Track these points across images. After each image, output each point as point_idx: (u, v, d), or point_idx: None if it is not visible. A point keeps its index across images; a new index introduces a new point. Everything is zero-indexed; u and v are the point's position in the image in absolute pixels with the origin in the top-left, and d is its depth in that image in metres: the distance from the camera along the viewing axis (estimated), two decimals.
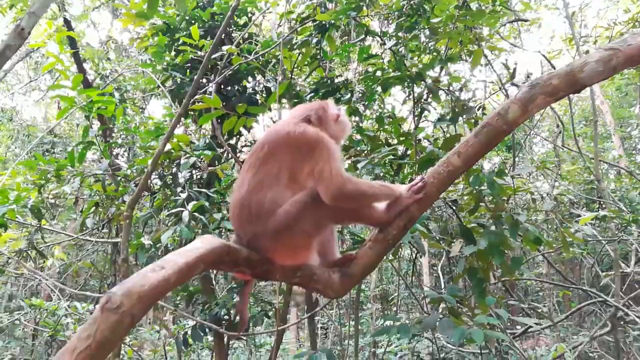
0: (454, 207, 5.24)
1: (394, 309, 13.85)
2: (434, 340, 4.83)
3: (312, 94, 4.61)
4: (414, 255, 5.30)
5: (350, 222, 2.28)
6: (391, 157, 4.68)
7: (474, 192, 4.65)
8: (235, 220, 1.99)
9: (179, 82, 5.79)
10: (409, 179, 5.16)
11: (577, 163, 11.10)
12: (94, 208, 5.17)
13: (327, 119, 2.22)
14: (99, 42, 12.28)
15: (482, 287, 4.56)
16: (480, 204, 4.68)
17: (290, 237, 1.90)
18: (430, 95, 5.09)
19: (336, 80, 4.69)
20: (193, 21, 5.94)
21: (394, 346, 10.24)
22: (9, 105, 15.95)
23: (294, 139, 2.01)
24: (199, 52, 5.51)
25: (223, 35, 6.16)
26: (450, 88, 5.65)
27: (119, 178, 4.96)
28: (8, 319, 8.61)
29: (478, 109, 6.77)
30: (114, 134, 8.26)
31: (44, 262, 8.78)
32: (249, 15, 6.15)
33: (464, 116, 4.79)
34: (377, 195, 1.99)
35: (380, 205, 2.02)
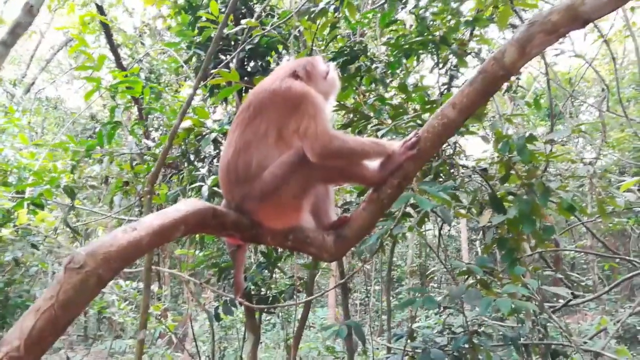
0: (484, 176, 5.05)
1: (432, 284, 13.73)
2: (463, 313, 4.72)
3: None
4: (439, 227, 5.15)
5: (340, 182, 2.22)
6: (415, 125, 4.52)
7: (504, 159, 4.47)
8: (223, 183, 1.96)
9: (202, 59, 5.79)
10: None
11: (626, 129, 10.46)
12: (126, 187, 5.31)
13: (315, 75, 2.14)
14: (133, 28, 12.47)
15: (513, 257, 4.41)
16: (511, 171, 4.50)
17: (277, 199, 1.85)
18: (457, 61, 4.88)
19: (355, 48, 4.53)
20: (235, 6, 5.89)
21: (431, 321, 10.17)
22: (54, 94, 16.55)
23: (280, 95, 1.95)
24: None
25: (244, 9, 6.12)
26: (481, 52, 5.40)
27: (146, 157, 5.05)
28: None
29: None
30: (149, 115, 8.43)
31: (87, 241, 9.16)
32: None
33: None
34: (367, 153, 1.91)
35: (373, 164, 1.94)
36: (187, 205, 1.68)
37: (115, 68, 8.75)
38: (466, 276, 4.59)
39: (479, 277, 4.29)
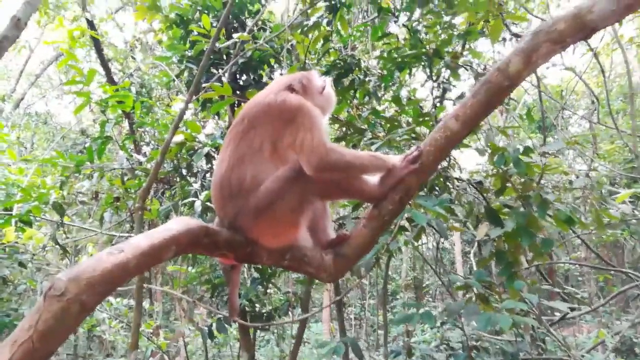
0: (479, 189, 5.02)
1: (427, 297, 13.63)
2: (462, 328, 4.64)
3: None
4: (436, 241, 5.09)
5: (339, 198, 2.15)
6: (409, 138, 4.49)
7: (500, 172, 4.45)
8: (216, 199, 1.88)
9: (194, 73, 5.74)
10: None
11: (616, 141, 10.52)
12: (117, 203, 5.20)
13: (311, 89, 2.09)
14: (124, 42, 12.43)
15: (511, 271, 4.37)
16: (507, 184, 4.47)
17: (273, 216, 1.78)
18: (450, 73, 4.87)
19: (349, 61, 4.51)
20: (206, 11, 5.87)
21: (427, 335, 10.06)
22: (44, 109, 16.42)
23: (275, 108, 1.89)
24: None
25: (236, 23, 6.10)
26: (472, 65, 5.40)
27: (137, 172, 4.96)
28: None
29: None
30: (139, 130, 8.35)
31: (78, 258, 9.00)
32: (262, 1, 6.04)
33: None
34: (366, 167, 1.84)
35: (373, 179, 1.87)
36: (178, 224, 1.60)
37: (106, 83, 8.68)
38: (464, 290, 4.54)
39: (477, 292, 4.23)
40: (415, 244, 5.87)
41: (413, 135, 4.60)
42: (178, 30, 5.94)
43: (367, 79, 4.66)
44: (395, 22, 4.51)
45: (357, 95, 4.59)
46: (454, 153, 6.16)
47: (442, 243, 14.86)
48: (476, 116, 1.72)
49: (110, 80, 9.31)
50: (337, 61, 4.53)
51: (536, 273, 7.49)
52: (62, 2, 9.71)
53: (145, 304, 9.49)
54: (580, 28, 1.53)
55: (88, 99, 4.91)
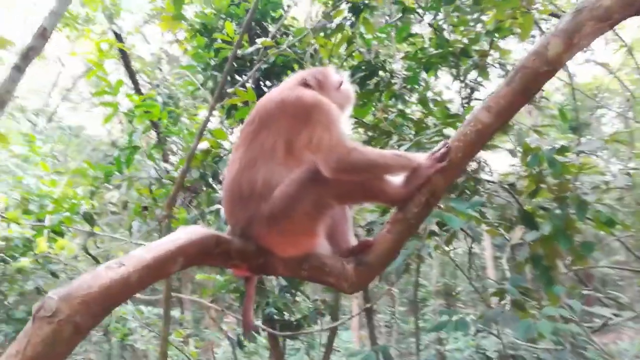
0: (512, 191, 4.85)
1: (459, 304, 13.31)
2: (498, 336, 4.45)
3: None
4: (468, 245, 4.94)
5: (360, 201, 2.00)
6: (438, 140, 4.37)
7: (533, 173, 4.28)
8: (227, 206, 1.77)
9: (219, 81, 5.75)
10: None
11: None
12: (145, 212, 5.23)
13: (327, 85, 1.96)
14: (150, 54, 12.63)
15: (549, 276, 4.19)
16: (542, 185, 4.30)
17: (288, 222, 1.65)
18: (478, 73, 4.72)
19: (373, 63, 4.42)
20: (230, 19, 5.89)
21: (460, 343, 9.79)
22: (75, 122, 16.83)
23: (289, 104, 1.76)
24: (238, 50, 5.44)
25: (259, 30, 6.09)
26: (503, 64, 5.23)
27: (164, 181, 4.98)
28: None
29: None
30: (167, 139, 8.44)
31: None
32: (284, 7, 6.03)
33: None
34: (389, 166, 1.71)
35: (397, 179, 1.74)
36: (185, 233, 1.50)
37: (134, 94, 8.81)
38: (498, 297, 4.37)
39: (513, 298, 4.06)
40: (446, 249, 5.71)
41: (441, 136, 4.48)
42: (202, 38, 5.98)
43: (392, 80, 4.55)
44: (420, 21, 4.40)
45: (383, 97, 4.49)
46: (484, 155, 5.99)
47: (473, 248, 14.50)
48: (511, 106, 1.58)
49: (138, 92, 9.44)
50: (361, 63, 4.44)
51: (573, 278, 7.20)
52: (90, 17, 9.93)
53: (176, 313, 9.55)
54: (630, 3, 1.38)
55: (116, 109, 4.97)
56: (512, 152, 4.72)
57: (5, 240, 5.02)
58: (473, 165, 5.20)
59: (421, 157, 1.73)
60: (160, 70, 11.71)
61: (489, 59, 4.93)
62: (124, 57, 10.20)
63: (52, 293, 1.16)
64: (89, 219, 4.90)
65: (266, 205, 1.68)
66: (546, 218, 4.16)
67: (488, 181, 5.15)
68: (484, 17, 4.92)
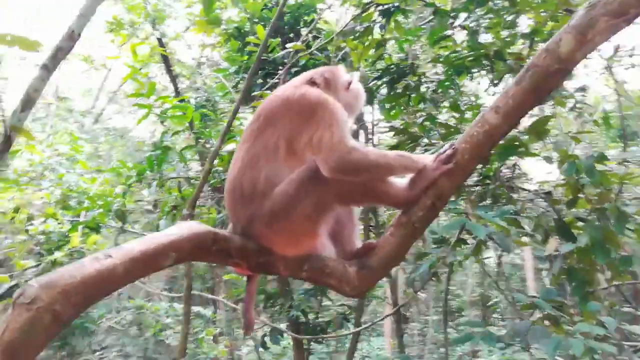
0: (548, 200, 4.64)
1: (495, 316, 12.88)
2: (529, 351, 4.26)
3: (374, 82, 4.31)
4: (497, 255, 4.76)
5: (363, 203, 1.92)
6: None
7: (571, 181, 4.09)
8: (228, 203, 1.76)
9: (251, 84, 5.81)
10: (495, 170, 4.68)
11: None
12: (174, 211, 5.33)
13: (336, 84, 1.92)
14: (192, 58, 12.95)
15: (585, 291, 3.98)
16: (580, 195, 4.10)
17: (288, 222, 1.63)
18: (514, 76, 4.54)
19: (401, 66, 4.33)
20: (262, 23, 5.95)
21: (494, 356, 9.47)
22: (120, 123, 17.45)
23: (293, 103, 1.74)
24: (269, 54, 5.48)
25: (292, 34, 6.12)
26: None
27: (194, 181, 5.07)
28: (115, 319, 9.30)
29: (577, 90, 5.99)
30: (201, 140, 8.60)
31: None
32: (317, 11, 6.04)
33: (553, 95, 4.18)
34: (392, 167, 1.66)
35: (401, 181, 1.69)
36: (180, 229, 1.50)
37: (174, 97, 9.05)
38: (531, 310, 4.18)
39: (546, 312, 3.87)
40: (478, 258, 5.52)
41: None
42: (236, 42, 6.06)
43: (422, 84, 4.45)
44: (452, 23, 4.28)
45: (412, 101, 4.39)
46: (523, 163, 5.77)
47: (512, 259, 14.03)
48: (520, 107, 1.50)
49: (178, 95, 9.70)
50: (391, 65, 4.37)
51: (617, 294, 6.80)
52: (135, 22, 10.27)
53: (207, 312, 9.70)
54: None
55: (150, 110, 5.10)
56: (547, 159, 4.52)
57: (43, 234, 5.24)
58: (507, 172, 5.03)
59: (427, 159, 1.68)
60: (200, 74, 11.98)
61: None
62: (166, 61, 10.51)
63: (33, 281, 1.16)
64: (120, 216, 5.04)
65: (267, 204, 1.66)
66: (584, 229, 3.96)
67: (523, 189, 4.95)
68: (520, 20, 4.75)
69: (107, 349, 9.93)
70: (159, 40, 10.12)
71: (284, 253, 1.70)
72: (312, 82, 1.87)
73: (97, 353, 9.45)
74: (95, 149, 13.74)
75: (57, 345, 7.45)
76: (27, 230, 5.29)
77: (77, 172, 6.77)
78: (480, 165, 4.74)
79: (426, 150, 3.98)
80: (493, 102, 1.57)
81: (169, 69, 10.48)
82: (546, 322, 3.85)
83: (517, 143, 3.92)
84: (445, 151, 1.64)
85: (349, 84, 1.97)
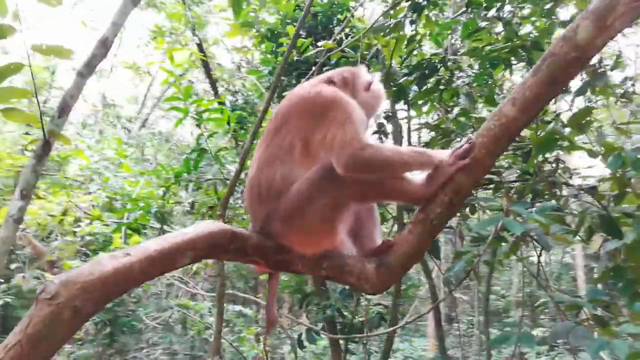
0: (593, 195, 4.42)
1: (545, 316, 12.40)
2: (576, 353, 4.05)
3: (405, 78, 4.24)
4: (538, 253, 4.56)
5: (378, 200, 1.89)
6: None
7: (617, 175, 3.88)
8: (248, 203, 1.79)
9: (284, 85, 5.86)
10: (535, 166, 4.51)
11: None
12: (210, 212, 5.45)
13: (355, 84, 1.91)
14: (231, 62, 13.21)
15: (634, 290, 3.77)
16: (627, 189, 3.88)
17: (304, 220, 1.63)
18: None
19: (432, 61, 4.24)
20: (295, 24, 5.98)
21: (543, 359, 9.13)
22: (166, 128, 18.00)
23: (308, 101, 1.75)
24: (302, 54, 5.51)
25: (324, 33, 6.12)
26: None
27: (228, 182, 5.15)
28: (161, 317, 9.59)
29: (626, 80, 5.68)
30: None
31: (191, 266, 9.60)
32: (350, 9, 6.01)
33: (596, 84, 3.97)
34: (407, 164, 1.63)
35: (418, 178, 1.65)
36: (197, 228, 1.53)
37: (213, 100, 9.28)
38: (577, 311, 4.00)
39: (590, 313, 3.69)
40: (519, 256, 5.32)
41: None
42: (269, 44, 6.13)
43: (456, 78, 4.34)
44: (485, 14, 4.15)
45: (444, 95, 4.29)
46: (568, 157, 5.51)
47: (562, 258, 13.47)
48: (537, 99, 1.43)
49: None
50: (422, 61, 4.28)
51: None
52: (176, 28, 10.61)
53: (249, 311, 9.86)
54: None
55: (186, 113, 5.24)
56: (591, 153, 4.31)
57: (90, 235, 5.48)
58: (549, 167, 4.83)
59: (444, 154, 1.64)
60: (240, 77, 12.21)
61: None
62: (206, 66, 10.78)
63: (54, 278, 1.22)
64: (159, 217, 5.20)
65: (283, 202, 1.67)
66: (631, 225, 3.76)
67: (566, 184, 4.74)
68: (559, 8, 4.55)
69: (154, 346, 10.27)
70: (199, 45, 10.40)
71: (301, 251, 1.71)
72: (329, 81, 1.87)
73: (144, 350, 9.79)
74: (142, 153, 14.25)
75: (106, 343, 7.78)
76: (74, 232, 5.55)
77: (121, 176, 7.05)
78: (521, 160, 4.57)
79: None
80: (511, 94, 1.51)
81: (208, 74, 10.75)
82: (592, 323, 3.67)
83: (555, 136, 3.77)
84: (462, 146, 1.60)
85: (369, 84, 1.96)
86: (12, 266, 7.20)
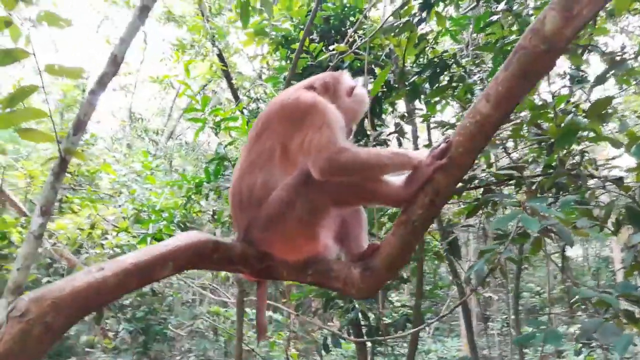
0: (619, 186, 4.27)
1: (582, 313, 12.00)
2: (607, 349, 3.92)
3: (416, 77, 4.20)
4: (560, 248, 4.44)
5: (358, 204, 1.84)
6: (519, 135, 4.00)
7: None
8: (232, 211, 1.80)
9: None
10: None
11: None
12: (230, 220, 5.52)
13: (337, 90, 1.89)
14: (252, 70, 13.37)
15: None
16: None
17: (286, 226, 1.63)
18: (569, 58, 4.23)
19: (444, 58, 4.19)
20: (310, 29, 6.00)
21: (581, 357, 8.83)
22: (191, 139, 18.33)
23: (287, 107, 1.75)
24: (315, 59, 5.53)
25: (338, 36, 6.12)
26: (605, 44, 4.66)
27: None
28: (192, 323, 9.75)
29: None
30: None
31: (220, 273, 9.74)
32: (362, 11, 5.99)
33: (613, 73, 3.83)
34: (385, 166, 1.62)
35: (397, 180, 1.63)
36: (178, 239, 1.54)
37: (235, 108, 9.42)
38: (607, 307, 3.86)
39: (619, 308, 3.57)
40: (545, 253, 5.19)
41: (523, 133, 4.11)
42: (284, 50, 6.18)
43: (469, 75, 4.28)
44: (495, 9, 4.08)
45: (458, 93, 4.24)
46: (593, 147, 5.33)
47: (599, 251, 13.06)
48: (510, 94, 1.39)
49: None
50: (433, 59, 4.24)
51: None
52: (196, 40, 10.82)
53: (278, 317, 9.92)
54: None
55: (204, 123, 5.33)
56: (614, 143, 4.17)
57: (117, 247, 5.64)
58: (574, 159, 4.69)
59: (422, 154, 1.62)
60: (260, 84, 12.34)
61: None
62: (227, 75, 10.96)
63: (25, 295, 1.23)
64: (182, 226, 5.30)
65: (263, 209, 1.68)
66: None
67: (591, 176, 4.60)
68: None
69: (188, 353, 10.45)
70: (219, 56, 10.58)
71: (283, 258, 1.71)
72: (310, 87, 1.87)
73: (178, 357, 9.97)
74: (170, 164, 14.55)
75: (140, 351, 7.96)
76: (102, 245, 5.72)
77: (147, 188, 7.22)
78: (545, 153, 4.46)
79: None
80: (485, 89, 1.48)
81: (230, 82, 10.91)
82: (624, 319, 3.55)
83: (574, 129, 3.67)
84: (439, 145, 1.57)
85: (352, 89, 1.94)
86: (51, 279, 7.48)
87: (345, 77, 1.99)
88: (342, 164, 1.60)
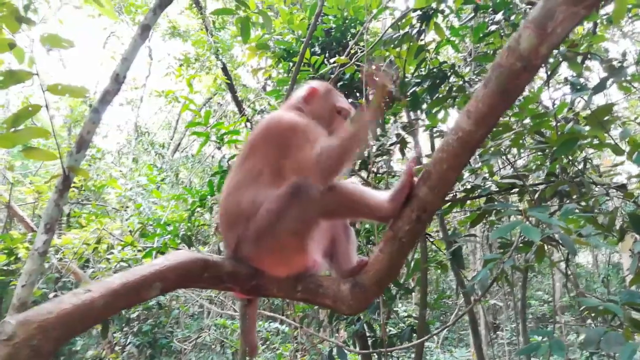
0: (623, 193, 4.26)
1: (589, 321, 11.86)
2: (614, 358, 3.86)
3: (415, 88, 4.22)
4: (565, 256, 4.41)
5: (345, 217, 1.89)
6: (520, 144, 4.00)
7: None
8: (220, 229, 1.84)
9: None
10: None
11: None
12: None
13: (314, 99, 2.03)
14: (257, 83, 13.48)
15: None
16: None
17: (275, 240, 1.64)
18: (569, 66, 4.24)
19: (443, 68, 4.21)
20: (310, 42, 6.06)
21: None
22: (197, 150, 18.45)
23: (272, 130, 1.83)
24: (317, 72, 5.57)
25: (340, 48, 6.18)
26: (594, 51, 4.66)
27: None
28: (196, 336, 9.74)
29: None
30: None
31: None
32: (364, 23, 6.04)
33: (613, 80, 3.83)
34: (357, 137, 1.71)
35: (383, 195, 1.67)
36: (167, 259, 1.55)
37: (239, 120, 9.49)
38: (613, 315, 3.83)
39: (628, 316, 3.54)
40: (553, 262, 5.16)
41: (522, 142, 4.11)
42: (286, 63, 6.23)
43: (469, 85, 4.29)
44: (493, 19, 4.11)
45: (457, 103, 4.25)
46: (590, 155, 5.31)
47: (609, 258, 12.92)
48: (491, 110, 1.41)
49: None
50: (432, 70, 4.27)
51: None
52: (200, 54, 10.94)
53: (285, 328, 9.89)
54: None
55: (207, 137, 5.39)
56: (616, 150, 4.17)
57: (122, 261, 5.67)
58: (576, 167, 4.68)
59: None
60: (263, 97, 12.44)
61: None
62: (231, 88, 11.06)
63: (10, 318, 1.23)
64: (186, 240, 5.33)
65: (252, 224, 1.70)
66: None
67: (593, 183, 4.58)
68: None
69: None
70: (223, 69, 10.69)
71: (273, 273, 1.72)
72: (296, 107, 1.98)
73: None
74: (177, 177, 14.63)
75: None
76: (108, 259, 5.76)
77: (151, 201, 7.27)
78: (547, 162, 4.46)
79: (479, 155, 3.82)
80: (466, 106, 1.51)
81: (234, 95, 11.01)
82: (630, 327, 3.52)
83: (575, 137, 3.68)
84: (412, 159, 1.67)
85: (315, 91, 2.05)
86: (58, 293, 7.52)
87: (315, 84, 2.08)
88: (332, 161, 1.65)
